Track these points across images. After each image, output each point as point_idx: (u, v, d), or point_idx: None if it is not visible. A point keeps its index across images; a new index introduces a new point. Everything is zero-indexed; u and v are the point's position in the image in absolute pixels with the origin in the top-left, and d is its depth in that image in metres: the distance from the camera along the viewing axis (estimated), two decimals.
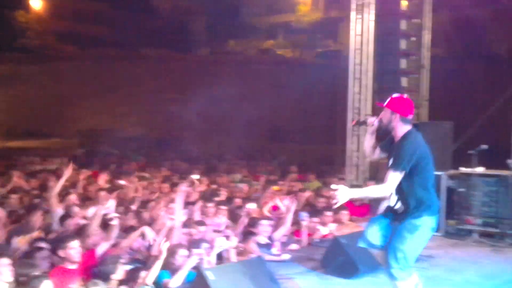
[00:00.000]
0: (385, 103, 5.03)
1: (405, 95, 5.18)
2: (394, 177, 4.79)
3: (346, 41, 13.78)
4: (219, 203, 8.67)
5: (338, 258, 6.92)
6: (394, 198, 5.01)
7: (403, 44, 12.15)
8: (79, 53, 34.70)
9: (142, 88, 29.88)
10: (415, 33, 12.63)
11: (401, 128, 4.93)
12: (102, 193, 8.60)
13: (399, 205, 5.00)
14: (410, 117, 5.01)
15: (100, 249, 6.16)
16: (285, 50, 31.67)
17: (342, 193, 4.60)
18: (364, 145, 5.52)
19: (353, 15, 11.92)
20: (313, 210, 9.23)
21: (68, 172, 8.08)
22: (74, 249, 5.70)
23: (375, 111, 11.88)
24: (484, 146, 8.93)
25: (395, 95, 5.12)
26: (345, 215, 9.10)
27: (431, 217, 4.91)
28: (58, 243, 5.93)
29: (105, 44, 34.46)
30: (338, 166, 14.98)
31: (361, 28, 11.91)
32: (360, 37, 11.92)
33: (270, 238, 7.81)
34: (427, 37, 13.09)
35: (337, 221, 8.98)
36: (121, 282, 5.64)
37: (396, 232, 4.95)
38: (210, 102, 26.02)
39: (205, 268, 5.83)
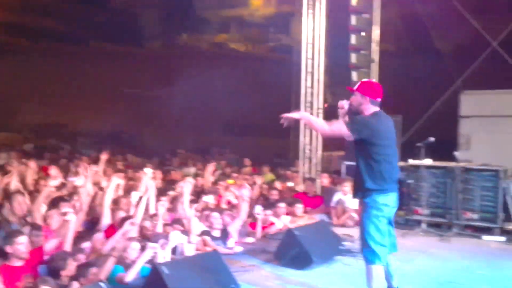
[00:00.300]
0: (356, 87, 5.28)
1: (374, 80, 5.32)
2: (338, 125, 5.14)
3: (298, 36, 13.91)
4: (173, 197, 8.66)
5: (292, 250, 7.01)
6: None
7: (353, 39, 12.34)
8: (28, 46, 33.74)
9: (94, 82, 29.35)
10: (365, 28, 12.87)
11: (370, 110, 5.19)
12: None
13: (357, 185, 5.35)
14: (379, 100, 5.24)
15: (49, 246, 6.04)
16: (238, 44, 31.66)
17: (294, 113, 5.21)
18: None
19: (305, 10, 12.05)
20: (267, 202, 9.34)
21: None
22: (21, 245, 5.55)
23: (327, 107, 12.11)
24: (431, 139, 9.18)
25: (365, 80, 5.51)
26: (299, 207, 9.24)
27: (382, 195, 5.09)
28: (5, 238, 5.76)
29: (55, 37, 33.63)
30: (291, 159, 15.18)
31: (313, 23, 12.06)
32: (312, 31, 12.08)
33: (225, 231, 7.87)
34: (376, 32, 13.38)
35: (291, 213, 9.10)
36: (72, 278, 5.55)
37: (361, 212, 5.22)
38: (164, 96, 25.86)
39: (160, 262, 5.83)
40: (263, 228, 8.49)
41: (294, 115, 5.11)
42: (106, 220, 7.07)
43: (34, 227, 6.28)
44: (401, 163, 9.93)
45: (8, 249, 5.59)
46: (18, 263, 5.57)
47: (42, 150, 17.87)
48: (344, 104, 5.43)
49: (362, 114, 5.19)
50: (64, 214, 6.30)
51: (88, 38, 33.61)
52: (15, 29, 34.82)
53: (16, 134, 26.05)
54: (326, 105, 6.12)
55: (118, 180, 7.26)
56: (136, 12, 34.88)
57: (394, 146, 5.35)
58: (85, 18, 33.87)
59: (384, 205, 5.12)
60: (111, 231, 6.93)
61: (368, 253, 5.16)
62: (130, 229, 6.74)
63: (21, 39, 34.27)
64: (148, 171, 8.19)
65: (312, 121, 5.50)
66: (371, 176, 5.11)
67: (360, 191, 5.25)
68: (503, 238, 8.73)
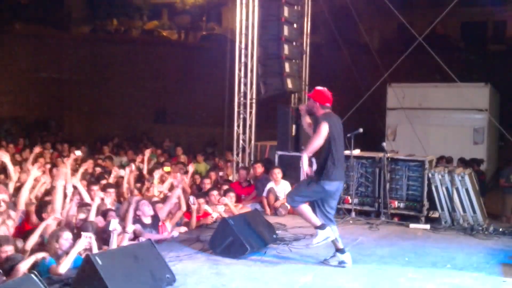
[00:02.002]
0: (310, 94, 6.70)
1: (325, 88, 6.66)
2: (323, 129, 6.41)
3: (229, 25, 13.92)
4: (105, 186, 8.53)
5: (227, 239, 7.05)
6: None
7: (286, 31, 12.46)
8: None
9: (17, 66, 28.14)
10: (297, 20, 13.04)
11: (320, 112, 6.57)
12: None
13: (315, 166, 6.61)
14: (328, 104, 6.58)
15: None
16: (170, 31, 31.28)
17: (304, 161, 6.41)
18: (303, 124, 7.00)
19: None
20: (200, 192, 9.35)
21: None
22: None
23: (259, 95, 12.22)
24: (360, 130, 9.43)
25: (318, 88, 6.67)
26: (231, 196, 9.30)
27: (328, 181, 6.51)
28: None
29: None
30: (223, 148, 15.23)
31: (246, 12, 12.09)
32: (245, 21, 12.10)
33: (155, 217, 7.83)
34: (307, 24, 13.61)
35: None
36: None
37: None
38: (93, 82, 25.22)
39: (93, 253, 5.75)
40: (198, 218, 8.51)
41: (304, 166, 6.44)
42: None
43: None
44: None
45: None
46: None
47: None
48: (303, 108, 6.89)
49: (315, 115, 6.59)
50: None
51: (12, 19, 32.13)
52: None
53: None
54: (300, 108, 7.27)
55: (36, 173, 7.04)
56: None
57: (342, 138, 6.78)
58: None
59: None
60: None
61: None
62: (51, 223, 6.60)
63: None
64: (77, 153, 8.01)
65: (313, 147, 6.49)
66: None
67: None
68: (428, 226, 9.10)
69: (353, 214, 9.61)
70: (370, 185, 9.74)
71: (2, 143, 14.34)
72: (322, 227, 6.58)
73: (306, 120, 6.87)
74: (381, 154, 9.67)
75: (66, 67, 26.42)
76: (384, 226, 9.16)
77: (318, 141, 6.44)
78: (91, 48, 27.13)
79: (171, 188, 9.23)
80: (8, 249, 5.71)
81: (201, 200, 8.81)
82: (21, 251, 6.12)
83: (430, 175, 9.30)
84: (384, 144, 9.90)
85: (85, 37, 30.27)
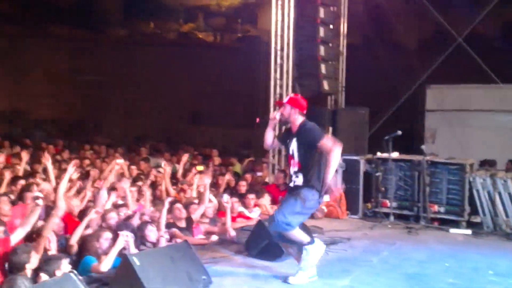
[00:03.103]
0: (286, 101, 6.12)
1: (299, 96, 6.23)
2: (329, 139, 5.88)
3: (265, 26, 13.87)
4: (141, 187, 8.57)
5: (263, 241, 7.01)
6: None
7: (321, 32, 12.36)
8: None
9: (56, 69, 28.69)
10: (332, 21, 12.91)
11: (299, 120, 5.97)
12: None
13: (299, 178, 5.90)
14: (304, 112, 6.04)
15: (16, 237, 5.79)
16: (205, 33, 31.41)
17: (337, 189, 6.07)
18: (265, 137, 6.21)
19: (273, 1, 12.01)
20: (236, 193, 9.31)
21: None
22: None
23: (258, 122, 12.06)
24: (398, 132, 9.29)
25: (292, 95, 6.27)
26: (267, 199, 9.24)
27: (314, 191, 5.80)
28: None
29: (15, 22, 32.71)
30: (258, 150, 15.16)
31: (282, 14, 12.03)
32: (281, 23, 12.05)
33: (189, 219, 7.83)
34: (343, 25, 13.46)
35: (260, 205, 9.11)
36: (36, 271, 5.44)
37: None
38: (129, 84, 25.54)
39: (131, 253, 5.77)
40: (233, 218, 8.47)
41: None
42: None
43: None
44: (369, 156, 10.07)
45: None
46: None
47: (5, 138, 17.43)
48: (276, 115, 6.10)
49: (292, 124, 5.99)
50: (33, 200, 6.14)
51: (50, 22, 32.80)
52: None
53: None
54: (258, 120, 6.47)
55: (71, 170, 7.13)
56: None
57: None
58: (45, 2, 33.02)
59: None
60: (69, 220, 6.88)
61: None
62: (94, 217, 6.66)
63: None
64: (119, 162, 8.09)
65: (334, 166, 5.79)
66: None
67: None
68: (469, 231, 8.88)
69: (391, 218, 9.45)
70: (409, 188, 9.56)
71: (42, 145, 14.59)
72: (312, 241, 6.02)
73: (271, 132, 6.13)
74: (420, 157, 9.50)
75: (104, 70, 26.82)
76: (424, 230, 8.99)
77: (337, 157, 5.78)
78: (127, 50, 27.49)
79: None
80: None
81: (234, 199, 8.75)
82: (67, 246, 6.18)
83: (471, 179, 9.09)
84: (423, 146, 9.74)
85: (122, 40, 30.68)
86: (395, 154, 9.65)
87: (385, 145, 9.44)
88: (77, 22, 32.52)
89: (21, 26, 31.97)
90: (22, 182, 8.14)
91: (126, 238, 5.96)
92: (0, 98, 27.82)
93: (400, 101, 12.45)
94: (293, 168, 5.93)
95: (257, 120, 6.41)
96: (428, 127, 14.72)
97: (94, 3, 33.64)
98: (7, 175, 8.35)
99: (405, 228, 9.02)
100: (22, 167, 9.70)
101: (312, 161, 5.79)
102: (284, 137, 6.23)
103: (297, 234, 5.91)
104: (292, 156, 5.96)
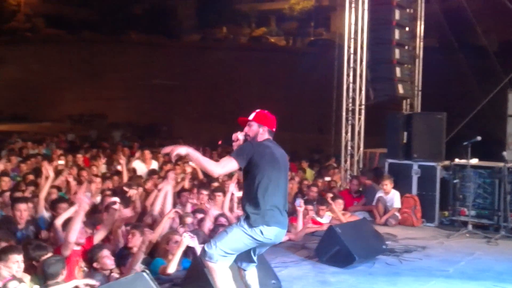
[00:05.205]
0: (252, 118, 5.06)
1: (266, 111, 5.17)
2: (228, 162, 4.75)
3: (338, 30, 13.69)
4: (214, 191, 8.61)
5: (334, 247, 6.90)
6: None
7: (397, 34, 12.07)
8: (68, 36, 34.32)
9: (131, 74, 29.61)
10: (408, 23, 12.60)
11: (262, 138, 5.01)
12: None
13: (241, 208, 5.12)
14: (274, 129, 5.10)
15: (99, 236, 6.04)
16: (277, 37, 31.53)
17: (180, 148, 4.59)
18: None
19: (347, 3, 11.85)
20: (307, 199, 9.18)
21: (50, 174, 7.74)
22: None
23: (368, 100, 11.88)
24: (478, 138, 8.91)
25: (258, 110, 5.14)
26: (339, 203, 9.07)
27: (257, 227, 4.73)
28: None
29: (93, 28, 34.07)
30: (329, 155, 15.01)
31: (355, 17, 11.85)
32: (354, 26, 11.87)
33: None
34: (420, 27, 13.08)
35: (332, 210, 8.94)
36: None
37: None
38: (201, 88, 25.96)
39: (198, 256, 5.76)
40: (304, 224, 8.35)
41: (180, 150, 4.56)
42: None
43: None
44: (446, 162, 9.70)
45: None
46: (76, 247, 5.69)
47: (84, 140, 18.13)
48: (238, 135, 5.13)
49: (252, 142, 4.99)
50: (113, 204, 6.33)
51: (127, 29, 33.90)
52: (56, 20, 35.43)
53: (58, 123, 26.52)
54: (220, 142, 5.57)
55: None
56: (173, 4, 35.07)
57: (284, 173, 5.02)
58: (123, 9, 34.18)
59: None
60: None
61: None
62: (173, 216, 6.75)
63: (61, 29, 34.84)
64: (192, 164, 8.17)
65: (200, 159, 4.72)
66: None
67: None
68: None
69: (469, 227, 9.04)
70: (489, 196, 9.13)
71: (118, 147, 15.00)
72: None
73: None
74: (501, 164, 9.04)
75: (176, 74, 27.40)
76: (504, 241, 8.54)
77: (216, 167, 4.77)
78: (200, 55, 27.98)
79: None
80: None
81: (310, 206, 8.64)
82: (149, 243, 6.29)
83: None
84: (505, 153, 9.25)
85: (195, 45, 31.30)
86: (474, 161, 9.25)
87: (464, 151, 9.05)
88: (152, 28, 33.51)
89: (99, 32, 33.28)
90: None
91: (188, 239, 5.96)
92: (78, 102, 29.04)
93: (480, 106, 11.91)
94: None
95: (219, 142, 5.77)
96: (510, 133, 14.01)
97: (169, 10, 34.55)
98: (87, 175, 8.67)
99: (484, 238, 8.61)
100: (99, 168, 10.01)
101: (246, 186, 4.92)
102: None
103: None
104: None
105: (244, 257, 4.96)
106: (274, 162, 4.85)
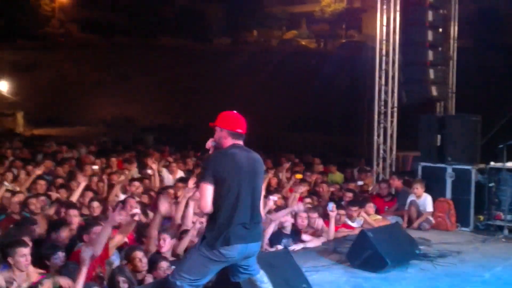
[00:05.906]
0: (214, 122, 4.70)
1: (234, 111, 4.79)
2: (203, 191, 4.44)
3: (369, 32, 13.55)
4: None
5: (365, 252, 6.82)
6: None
7: (430, 36, 11.89)
8: (100, 41, 34.85)
9: (162, 77, 29.87)
10: (442, 24, 12.40)
11: (226, 143, 4.62)
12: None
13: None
14: (239, 131, 4.64)
15: (115, 243, 5.89)
16: (308, 40, 31.42)
17: None
18: None
19: (379, 5, 11.74)
20: (339, 203, 9.10)
21: (83, 180, 7.87)
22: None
23: (401, 103, 11.73)
24: None
25: (222, 112, 4.76)
26: (371, 207, 8.97)
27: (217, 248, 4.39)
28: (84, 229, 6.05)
29: (126, 33, 34.51)
30: (360, 158, 14.84)
31: (387, 18, 11.72)
32: (386, 27, 11.74)
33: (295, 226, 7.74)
34: (454, 28, 12.87)
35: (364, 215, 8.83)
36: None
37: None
38: (230, 91, 26.01)
39: None
40: (336, 228, 8.27)
41: None
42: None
43: None
44: (481, 166, 9.51)
45: (85, 238, 5.83)
46: None
47: (116, 144, 18.32)
48: (210, 143, 4.75)
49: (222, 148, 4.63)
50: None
51: (157, 34, 34.23)
52: (89, 25, 36.05)
53: (91, 127, 26.92)
54: (198, 154, 5.11)
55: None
56: (203, 8, 35.30)
57: (250, 181, 4.57)
58: (154, 14, 34.53)
59: None
60: None
61: None
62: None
63: (94, 34, 35.43)
64: None
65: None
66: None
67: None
68: None
69: (505, 231, 8.84)
70: None
71: (149, 151, 15.09)
72: None
73: None
74: None
75: (206, 77, 27.51)
76: None
77: (203, 207, 4.49)
78: (230, 58, 28.04)
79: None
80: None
81: (342, 211, 8.56)
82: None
83: None
84: None
85: (225, 48, 31.40)
86: (510, 164, 9.04)
87: (499, 154, 8.86)
88: (182, 32, 33.77)
89: (129, 36, 33.70)
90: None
91: None
92: (110, 106, 29.42)
93: None
94: None
95: (198, 154, 5.48)
96: None
97: (198, 13, 34.77)
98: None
99: None
100: (131, 172, 10.12)
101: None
102: None
103: None
104: None
105: (236, 272, 4.66)
106: (235, 172, 4.44)
